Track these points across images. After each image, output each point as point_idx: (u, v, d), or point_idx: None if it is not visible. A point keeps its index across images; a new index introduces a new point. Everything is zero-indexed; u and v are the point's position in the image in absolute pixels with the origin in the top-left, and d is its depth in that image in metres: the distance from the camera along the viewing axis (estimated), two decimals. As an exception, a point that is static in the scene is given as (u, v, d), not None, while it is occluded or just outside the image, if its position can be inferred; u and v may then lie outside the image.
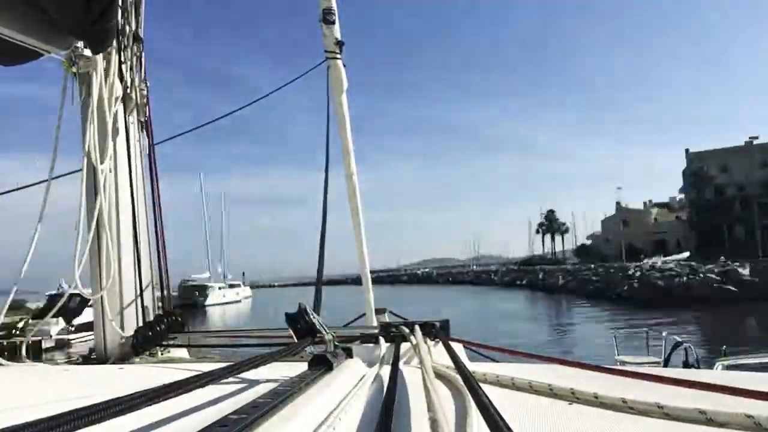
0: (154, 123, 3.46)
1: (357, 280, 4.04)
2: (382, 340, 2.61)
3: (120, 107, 3.08)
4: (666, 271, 47.71)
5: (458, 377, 1.52)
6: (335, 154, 3.60)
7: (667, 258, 57.29)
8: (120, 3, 2.99)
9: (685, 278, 44.89)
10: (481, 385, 1.28)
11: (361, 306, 3.80)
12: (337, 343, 1.86)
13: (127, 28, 3.14)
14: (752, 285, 41.22)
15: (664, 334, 10.58)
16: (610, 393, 1.32)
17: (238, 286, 78.70)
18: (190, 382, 1.06)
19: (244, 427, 0.92)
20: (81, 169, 2.80)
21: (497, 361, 2.56)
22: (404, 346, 2.45)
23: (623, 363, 9.82)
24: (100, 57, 2.89)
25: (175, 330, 3.10)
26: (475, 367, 1.86)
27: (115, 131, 3.01)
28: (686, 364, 9.01)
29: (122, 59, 3.08)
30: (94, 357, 2.99)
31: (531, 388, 1.53)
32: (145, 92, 3.34)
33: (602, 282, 53.55)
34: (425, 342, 2.41)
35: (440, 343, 2.43)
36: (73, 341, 5.34)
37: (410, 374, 1.80)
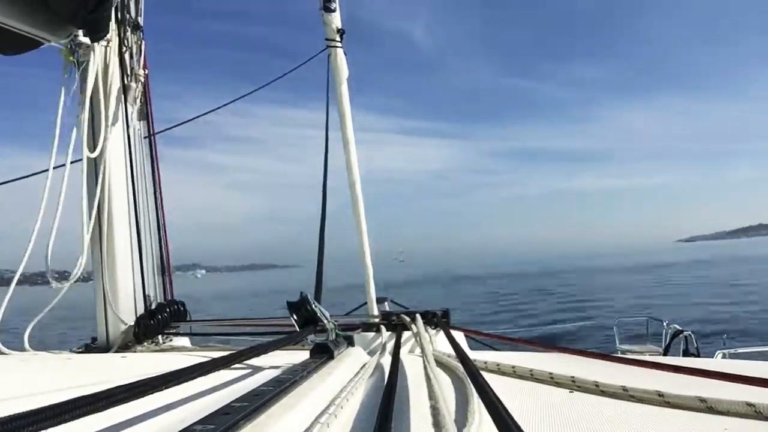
0: (154, 110, 3.45)
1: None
2: (383, 328, 2.62)
3: (120, 95, 3.07)
4: None
5: (459, 365, 1.53)
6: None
7: None
8: None
9: None
10: (482, 373, 1.28)
11: None
12: (338, 332, 1.87)
13: (127, 16, 3.12)
14: None
15: (665, 322, 10.59)
16: (611, 381, 1.32)
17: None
18: (192, 370, 1.06)
19: (246, 415, 0.92)
20: (82, 158, 2.79)
21: (498, 350, 2.57)
22: (405, 335, 2.47)
23: (624, 352, 9.85)
24: (99, 45, 2.88)
25: (178, 318, 3.11)
26: (476, 356, 1.87)
27: (115, 119, 3.00)
28: (686, 353, 9.02)
29: (122, 47, 3.06)
30: (97, 345, 3.00)
31: (532, 376, 1.53)
32: (144, 80, 3.33)
33: None
34: (426, 331, 2.42)
35: (441, 332, 2.44)
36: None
37: (411, 362, 1.81)
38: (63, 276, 2.70)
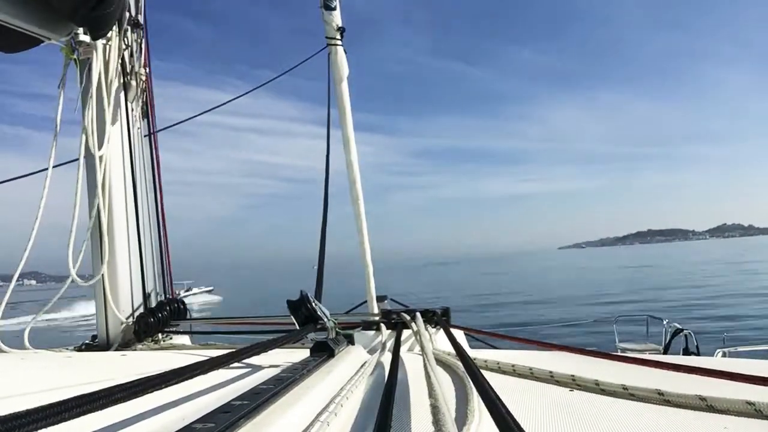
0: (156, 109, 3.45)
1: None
2: (383, 327, 2.62)
3: (121, 93, 3.07)
4: None
5: (459, 364, 1.53)
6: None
7: None
8: None
9: None
10: (482, 371, 1.28)
11: None
12: (338, 330, 1.87)
13: (128, 14, 3.12)
14: None
15: (664, 321, 10.60)
16: (611, 379, 1.32)
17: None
18: (192, 368, 1.06)
19: (246, 413, 0.92)
20: (83, 157, 2.79)
21: (498, 348, 2.57)
22: (405, 333, 2.47)
23: (624, 350, 9.85)
24: (100, 43, 2.87)
25: (178, 317, 3.11)
26: (476, 354, 1.87)
27: (115, 117, 3.00)
28: (686, 351, 9.03)
29: (123, 45, 3.06)
30: (97, 344, 3.00)
31: (532, 375, 1.53)
32: (145, 78, 3.33)
33: None
34: (426, 329, 2.43)
35: (441, 330, 2.45)
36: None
37: (411, 361, 1.81)
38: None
